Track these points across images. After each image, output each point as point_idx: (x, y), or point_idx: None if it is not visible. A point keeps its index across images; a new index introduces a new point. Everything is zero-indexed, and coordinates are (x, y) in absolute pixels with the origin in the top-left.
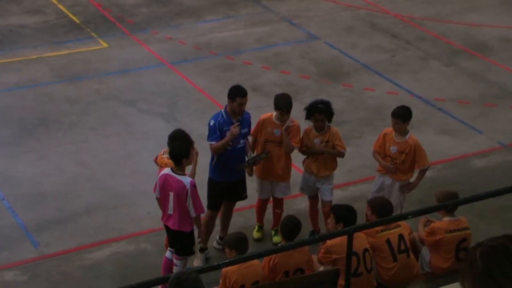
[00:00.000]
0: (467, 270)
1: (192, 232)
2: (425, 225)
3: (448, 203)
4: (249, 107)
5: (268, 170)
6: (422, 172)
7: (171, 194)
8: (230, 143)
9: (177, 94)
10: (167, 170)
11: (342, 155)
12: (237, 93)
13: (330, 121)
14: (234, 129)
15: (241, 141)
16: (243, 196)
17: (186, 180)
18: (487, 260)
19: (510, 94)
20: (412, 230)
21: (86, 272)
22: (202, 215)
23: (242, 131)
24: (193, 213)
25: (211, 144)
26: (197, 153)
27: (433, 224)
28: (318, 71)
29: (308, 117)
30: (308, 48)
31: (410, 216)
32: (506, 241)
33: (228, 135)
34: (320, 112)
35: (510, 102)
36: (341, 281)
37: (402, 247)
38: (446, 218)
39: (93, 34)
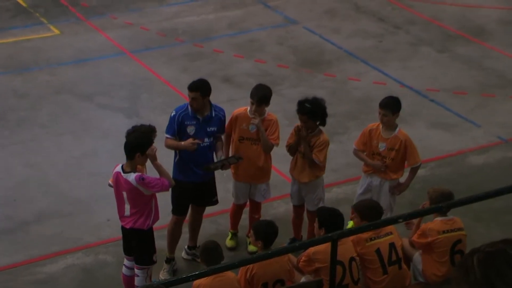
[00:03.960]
0: (462, 279)
1: (150, 233)
2: (408, 228)
3: (443, 205)
4: (221, 100)
5: (245, 171)
6: (413, 171)
7: (124, 194)
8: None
9: (140, 87)
10: (118, 168)
11: (315, 164)
12: (189, 86)
13: (322, 123)
14: (192, 146)
15: (206, 140)
16: (213, 201)
17: (131, 177)
18: (486, 268)
19: (510, 83)
20: (400, 235)
21: None
22: (166, 222)
23: (209, 129)
24: (164, 189)
25: (165, 137)
26: (153, 150)
27: (424, 225)
28: (297, 59)
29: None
30: (286, 34)
31: (400, 220)
32: (505, 246)
33: (183, 143)
34: (303, 112)
35: (511, 92)
36: None
37: (394, 257)
38: (438, 218)
39: (43, 20)
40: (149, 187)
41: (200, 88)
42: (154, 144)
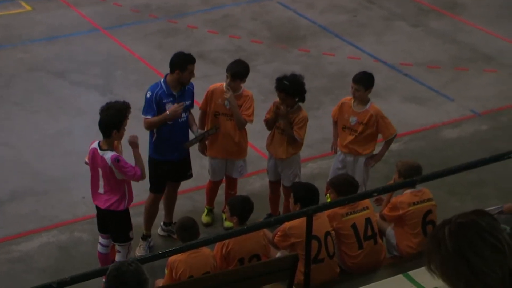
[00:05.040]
0: (434, 251)
1: (125, 213)
2: (378, 204)
3: (417, 178)
4: (195, 76)
5: (221, 147)
6: (388, 142)
7: (100, 170)
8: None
9: (113, 64)
10: (95, 144)
11: (296, 141)
12: (189, 60)
13: (301, 100)
14: (178, 109)
15: (183, 115)
16: (188, 175)
17: (108, 155)
18: (457, 239)
19: (483, 57)
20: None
21: (13, 266)
22: (143, 199)
23: (185, 104)
24: (135, 179)
25: (145, 119)
26: (135, 138)
27: (394, 198)
28: (272, 34)
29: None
30: (260, 9)
31: (375, 194)
32: (476, 217)
33: (168, 111)
34: (281, 89)
35: (484, 65)
36: (301, 268)
37: (369, 232)
38: (408, 191)
39: None
40: (122, 170)
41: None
42: (129, 122)
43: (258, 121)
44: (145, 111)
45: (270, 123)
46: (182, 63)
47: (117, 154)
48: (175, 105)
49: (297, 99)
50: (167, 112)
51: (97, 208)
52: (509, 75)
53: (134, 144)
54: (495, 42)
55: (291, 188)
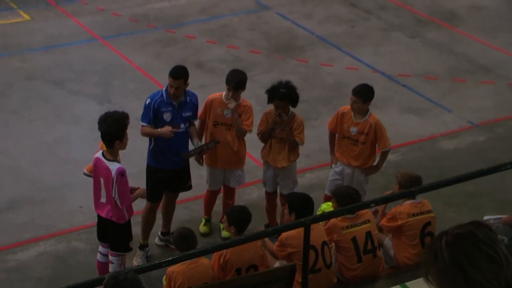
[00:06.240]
0: (431, 262)
1: (128, 224)
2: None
3: (414, 189)
4: (193, 86)
5: (220, 156)
6: (384, 155)
7: (102, 180)
8: (170, 128)
9: (112, 73)
10: (99, 154)
11: (297, 146)
12: (170, 72)
13: (294, 105)
14: (168, 133)
15: (182, 126)
16: (187, 186)
17: (114, 166)
18: (454, 250)
19: (481, 68)
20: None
21: (9, 276)
22: (140, 209)
23: (184, 115)
24: (120, 201)
25: (142, 125)
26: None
27: (394, 208)
28: (270, 45)
29: (269, 101)
30: (258, 20)
31: (372, 205)
32: (473, 228)
33: (159, 130)
34: (282, 98)
35: (481, 77)
36: (298, 278)
37: (369, 246)
38: (408, 202)
39: (12, 5)
40: (119, 188)
41: (184, 76)
42: (128, 132)
43: (255, 131)
44: (142, 117)
45: (266, 135)
46: (169, 73)
47: (124, 168)
48: (168, 128)
49: (290, 105)
50: (158, 130)
51: (99, 216)
52: (506, 87)
53: (143, 195)
54: (492, 54)
55: (286, 197)
